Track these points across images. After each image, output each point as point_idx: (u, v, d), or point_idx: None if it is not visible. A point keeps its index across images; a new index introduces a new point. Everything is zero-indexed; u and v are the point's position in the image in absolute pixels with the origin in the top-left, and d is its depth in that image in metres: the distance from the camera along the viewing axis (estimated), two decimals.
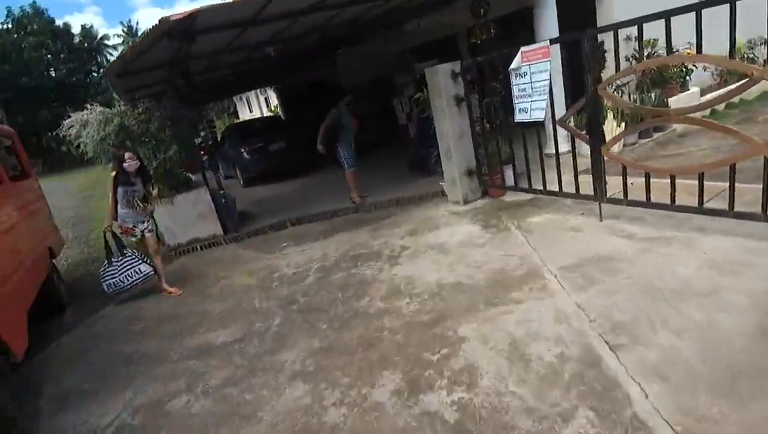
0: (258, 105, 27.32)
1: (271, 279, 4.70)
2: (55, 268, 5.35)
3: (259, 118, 20.53)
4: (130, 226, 4.73)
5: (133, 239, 4.88)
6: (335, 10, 7.08)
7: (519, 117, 4.53)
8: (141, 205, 4.65)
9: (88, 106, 5.87)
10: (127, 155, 4.59)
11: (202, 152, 17.50)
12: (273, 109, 23.06)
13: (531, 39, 5.87)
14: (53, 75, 32.60)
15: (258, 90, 24.80)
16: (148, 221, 4.86)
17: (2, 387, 3.15)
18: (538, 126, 4.57)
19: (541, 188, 4.75)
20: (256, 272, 5.00)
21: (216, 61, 8.10)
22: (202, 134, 23.25)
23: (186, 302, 4.63)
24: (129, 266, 4.83)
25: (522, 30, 7.81)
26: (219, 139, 14.22)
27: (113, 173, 4.61)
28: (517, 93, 4.50)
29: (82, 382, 3.46)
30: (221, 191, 6.83)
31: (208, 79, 10.83)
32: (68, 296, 5.39)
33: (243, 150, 10.51)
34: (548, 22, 6.35)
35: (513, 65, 4.42)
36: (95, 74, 36.47)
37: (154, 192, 4.92)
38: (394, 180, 7.57)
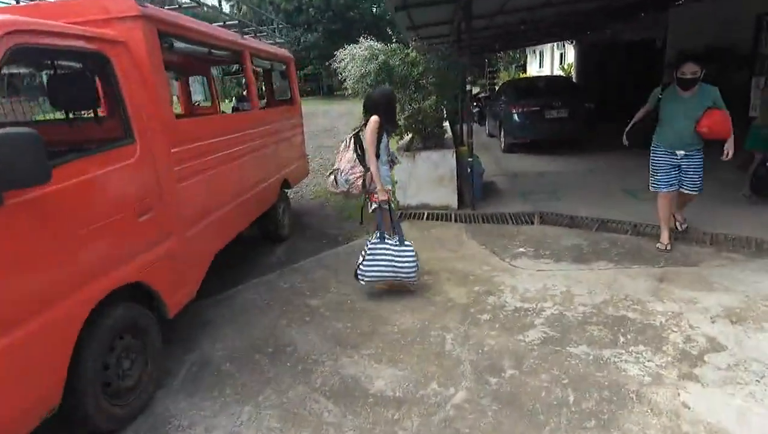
0: (551, 61, 24.67)
1: (483, 305, 3.42)
2: (286, 198, 5.30)
3: (544, 76, 18.41)
4: (389, 187, 3.76)
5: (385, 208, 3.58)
6: None
7: None
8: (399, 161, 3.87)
9: (362, 39, 5.40)
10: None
11: (474, 103, 16.98)
12: (566, 68, 20.33)
13: None
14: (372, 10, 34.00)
15: (555, 44, 22.19)
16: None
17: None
18: None
19: None
20: (470, 283, 3.81)
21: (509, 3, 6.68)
22: (482, 82, 22.37)
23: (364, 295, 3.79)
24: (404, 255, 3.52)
25: None
26: (495, 92, 13.07)
27: (374, 120, 3.46)
28: None
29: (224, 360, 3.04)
30: (470, 158, 5.73)
31: (499, 25, 9.49)
32: (292, 229, 5.37)
33: (513, 110, 9.07)
34: None
35: None
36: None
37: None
38: (727, 204, 5.07)
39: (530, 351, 2.78)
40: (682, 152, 3.99)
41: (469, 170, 5.70)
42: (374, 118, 3.50)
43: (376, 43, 5.27)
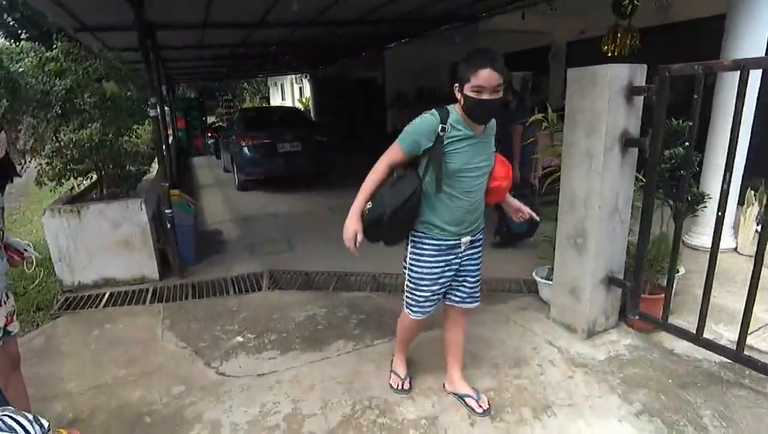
0: (291, 94, 24.90)
1: None
2: None
3: (276, 107, 18.06)
4: None
5: None
6: None
7: None
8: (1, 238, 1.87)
9: None
10: None
11: (210, 134, 15.15)
12: (305, 101, 20.60)
13: (709, 55, 3.30)
14: None
15: (294, 77, 22.40)
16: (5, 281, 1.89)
17: None
18: None
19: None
20: (144, 429, 2.32)
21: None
22: (220, 111, 20.50)
23: None
24: None
25: (693, 44, 5.17)
26: (229, 123, 11.76)
27: None
28: None
29: None
30: (168, 210, 4.17)
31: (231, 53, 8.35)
32: None
33: (243, 143, 7.91)
34: (753, 34, 3.61)
35: None
36: None
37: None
38: None
39: None
40: (468, 239, 2.12)
41: (168, 224, 4.16)
42: None
43: None
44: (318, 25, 6.57)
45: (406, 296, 2.23)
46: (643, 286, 2.74)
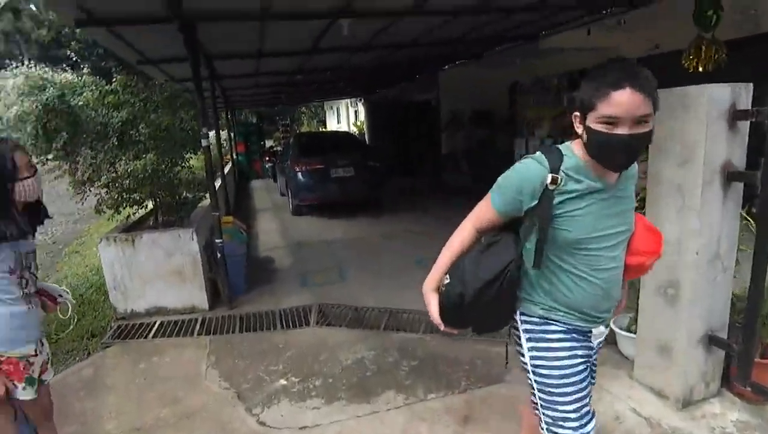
0: (347, 117, 25.33)
1: None
2: None
3: (330, 132, 18.26)
4: (33, 350, 1.76)
5: (24, 392, 1.73)
6: (444, 17, 4.76)
7: None
8: (34, 283, 1.81)
9: (24, 65, 3.47)
10: (20, 156, 1.69)
11: (268, 158, 15.59)
12: (359, 124, 20.83)
13: None
14: None
15: (349, 100, 22.80)
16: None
17: None
18: None
19: None
20: None
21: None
22: (278, 135, 21.07)
23: None
24: None
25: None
26: (285, 147, 12.03)
27: None
28: None
29: None
30: (218, 239, 4.13)
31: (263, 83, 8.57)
32: None
33: (297, 168, 7.94)
34: None
35: None
36: None
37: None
38: None
39: None
40: (602, 330, 1.52)
41: (218, 254, 4.11)
42: None
43: (42, 70, 3.37)
44: (372, 50, 6.52)
45: (547, 415, 1.47)
46: (755, 348, 2.27)
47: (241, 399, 2.83)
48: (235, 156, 13.92)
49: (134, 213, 4.22)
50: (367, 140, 16.29)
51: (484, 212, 1.44)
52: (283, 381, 2.99)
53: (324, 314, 4.00)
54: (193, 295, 4.10)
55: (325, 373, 3.05)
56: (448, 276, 1.43)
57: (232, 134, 13.48)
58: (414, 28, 5.52)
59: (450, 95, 11.61)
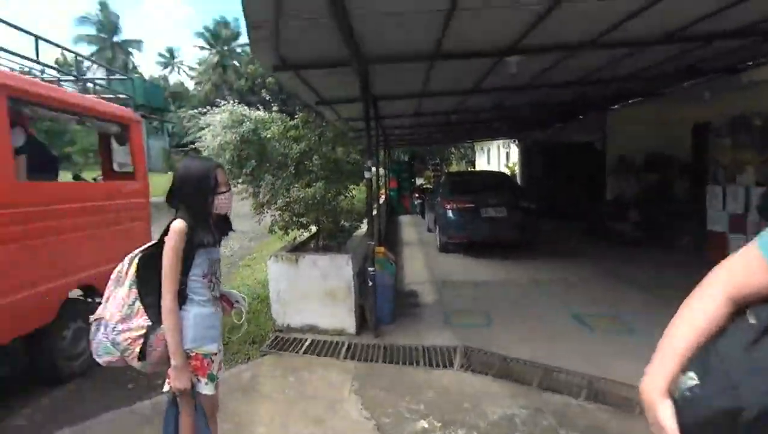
0: (498, 158, 24.94)
1: None
2: (81, 314, 3.49)
3: (482, 171, 18.00)
4: (215, 349, 1.95)
5: (206, 387, 1.91)
6: (625, 49, 4.19)
7: None
8: (218, 287, 2.02)
9: (228, 102, 4.09)
10: (221, 174, 1.94)
11: (417, 195, 16.06)
12: (511, 166, 20.29)
13: None
14: None
15: (501, 142, 22.46)
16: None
17: None
18: None
19: None
20: None
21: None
22: (428, 174, 21.74)
23: None
24: None
25: None
26: (436, 185, 12.25)
27: (176, 229, 1.82)
28: None
29: None
30: (371, 268, 4.23)
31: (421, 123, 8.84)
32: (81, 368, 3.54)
33: (447, 206, 7.93)
34: None
35: None
36: None
37: None
38: None
39: None
40: None
41: (370, 283, 4.20)
42: (176, 223, 1.83)
43: (243, 108, 3.93)
44: (534, 89, 6.28)
45: None
46: None
47: (380, 432, 2.75)
48: (387, 191, 14.65)
49: (299, 235, 4.62)
50: (520, 181, 15.72)
51: (747, 273, 0.88)
52: (424, 423, 2.83)
53: (468, 359, 3.76)
54: (343, 319, 4.24)
55: (468, 423, 2.81)
56: (693, 374, 0.86)
57: (386, 171, 14.25)
58: (587, 64, 5.16)
59: (619, 136, 10.58)
